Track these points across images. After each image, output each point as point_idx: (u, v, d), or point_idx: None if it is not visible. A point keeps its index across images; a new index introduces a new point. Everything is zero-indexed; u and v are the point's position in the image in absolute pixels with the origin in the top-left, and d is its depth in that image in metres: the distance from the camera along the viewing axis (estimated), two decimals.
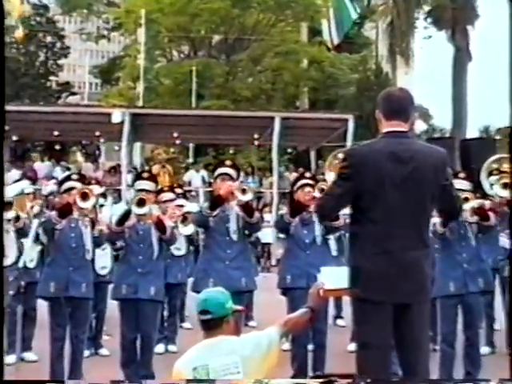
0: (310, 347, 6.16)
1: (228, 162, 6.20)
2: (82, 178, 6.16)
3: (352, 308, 3.81)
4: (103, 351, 7.19)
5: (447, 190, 3.77)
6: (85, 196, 5.56)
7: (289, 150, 25.39)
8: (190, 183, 18.71)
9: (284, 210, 6.24)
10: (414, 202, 3.61)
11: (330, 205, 3.81)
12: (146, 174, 6.27)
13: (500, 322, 7.70)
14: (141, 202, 5.76)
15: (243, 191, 5.75)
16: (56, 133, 20.24)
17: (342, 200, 3.77)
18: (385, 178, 3.59)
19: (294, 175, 15.87)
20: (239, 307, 3.69)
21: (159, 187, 8.20)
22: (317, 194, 5.94)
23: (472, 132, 34.07)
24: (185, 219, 7.19)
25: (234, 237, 5.82)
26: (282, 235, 6.81)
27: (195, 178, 18.93)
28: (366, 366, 3.70)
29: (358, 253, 3.70)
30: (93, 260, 6.11)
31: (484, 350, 6.85)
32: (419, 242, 3.65)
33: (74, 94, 39.55)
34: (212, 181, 6.34)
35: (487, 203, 6.51)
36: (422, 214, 3.68)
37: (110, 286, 6.54)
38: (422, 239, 3.68)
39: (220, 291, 3.67)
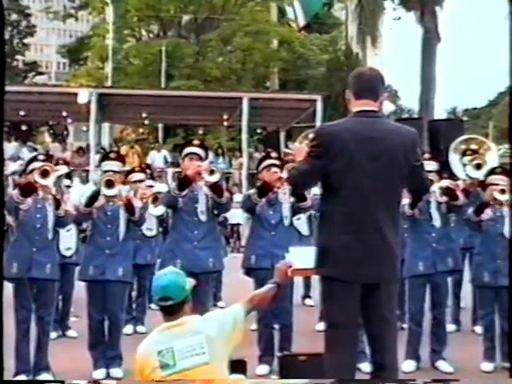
0: (277, 327, 6.18)
1: (196, 142, 6.11)
2: (49, 159, 6.04)
3: (320, 287, 3.80)
4: (71, 333, 7.14)
5: (417, 171, 3.77)
6: (45, 173, 5.45)
7: (258, 131, 25.36)
8: (151, 165, 18.54)
9: (252, 190, 6.15)
10: (384, 181, 3.60)
11: (299, 180, 3.85)
12: (113, 155, 6.19)
13: (465, 300, 7.81)
14: (109, 184, 5.67)
15: (211, 172, 5.70)
16: (22, 113, 19.92)
17: (310, 177, 3.78)
18: (355, 158, 3.58)
19: (259, 158, 15.82)
20: (193, 281, 3.58)
21: (129, 167, 8.18)
22: (284, 175, 5.93)
23: (439, 113, 34.44)
24: (155, 200, 7.13)
25: (202, 217, 5.75)
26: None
27: (157, 158, 18.73)
28: (334, 345, 3.70)
29: (328, 232, 3.69)
30: (57, 241, 6.01)
31: (450, 327, 6.94)
32: (389, 222, 3.64)
33: (41, 73, 39.00)
34: (180, 160, 6.26)
35: (460, 183, 6.55)
36: (392, 194, 3.68)
37: (77, 268, 6.47)
38: (392, 219, 3.67)
39: (175, 272, 3.57)
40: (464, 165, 6.90)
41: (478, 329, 6.81)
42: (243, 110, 18.95)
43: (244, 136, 19.52)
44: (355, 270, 3.60)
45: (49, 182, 5.45)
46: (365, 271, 3.60)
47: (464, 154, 7.08)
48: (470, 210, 6.05)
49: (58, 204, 5.55)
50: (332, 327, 3.73)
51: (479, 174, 6.61)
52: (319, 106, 18.92)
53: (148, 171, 8.33)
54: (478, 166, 6.67)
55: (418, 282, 5.90)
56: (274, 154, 6.24)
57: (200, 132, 25.45)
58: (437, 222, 5.98)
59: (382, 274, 3.65)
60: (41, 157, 5.89)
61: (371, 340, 3.79)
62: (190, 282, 3.54)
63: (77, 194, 7.47)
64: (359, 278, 3.61)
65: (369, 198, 3.58)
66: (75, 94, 18.51)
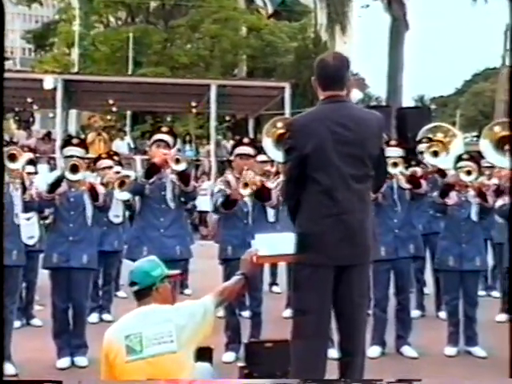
0: (247, 314, 6.19)
1: (164, 129, 6.06)
2: (11, 145, 5.95)
3: (296, 273, 3.81)
4: (35, 321, 7.05)
5: (381, 156, 3.87)
6: (13, 157, 5.37)
7: (227, 118, 25.32)
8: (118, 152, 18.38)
9: (221, 185, 5.96)
10: (356, 165, 3.68)
11: (293, 191, 3.78)
12: (75, 140, 6.10)
13: (428, 287, 7.91)
14: (74, 168, 5.60)
15: (177, 161, 5.66)
16: None
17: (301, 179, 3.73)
18: (328, 144, 3.64)
19: (232, 143, 15.78)
20: (172, 272, 3.67)
21: (96, 155, 8.11)
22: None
23: (407, 101, 34.66)
24: (122, 184, 7.07)
25: (170, 205, 5.72)
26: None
27: (121, 146, 18.52)
28: (305, 331, 3.72)
29: (306, 218, 3.73)
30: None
31: (414, 313, 7.02)
32: (362, 205, 3.72)
33: (5, 59, 38.29)
34: (147, 147, 6.22)
35: (418, 170, 6.63)
36: (364, 177, 3.74)
37: (41, 255, 6.40)
38: (365, 202, 3.75)
39: (147, 260, 3.67)
40: (421, 152, 6.99)
41: (442, 314, 6.90)
42: (211, 98, 18.87)
43: (212, 123, 19.45)
44: (333, 253, 3.64)
45: (17, 166, 5.39)
46: (341, 253, 3.65)
47: (420, 141, 7.18)
48: (435, 193, 6.13)
49: (24, 189, 5.47)
50: (304, 313, 3.73)
51: (436, 161, 6.72)
52: (287, 93, 18.92)
53: (116, 158, 8.27)
54: (435, 153, 6.77)
55: (382, 267, 5.92)
56: (246, 140, 6.18)
57: (168, 119, 25.32)
58: (399, 208, 6.03)
59: (356, 255, 3.71)
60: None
61: (340, 325, 3.83)
62: (163, 271, 3.57)
63: (43, 181, 7.37)
64: (336, 260, 3.66)
65: (343, 182, 3.65)
66: (41, 80, 18.23)
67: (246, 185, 5.69)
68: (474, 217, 6.02)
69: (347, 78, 3.81)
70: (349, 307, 3.75)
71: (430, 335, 6.42)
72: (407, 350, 5.96)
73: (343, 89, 3.77)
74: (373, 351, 5.86)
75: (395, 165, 5.95)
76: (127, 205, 7.69)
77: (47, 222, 6.78)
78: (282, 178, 6.59)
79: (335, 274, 3.68)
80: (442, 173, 6.81)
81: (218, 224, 7.64)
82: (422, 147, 7.02)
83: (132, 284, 3.55)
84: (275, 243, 3.85)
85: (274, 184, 6.50)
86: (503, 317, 7.03)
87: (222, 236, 6.11)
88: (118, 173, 7.46)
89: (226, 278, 5.58)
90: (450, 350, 5.98)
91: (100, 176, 6.99)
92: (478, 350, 5.94)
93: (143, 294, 3.50)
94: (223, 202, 5.79)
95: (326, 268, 3.65)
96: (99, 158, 7.59)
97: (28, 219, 6.47)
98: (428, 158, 6.80)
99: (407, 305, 6.16)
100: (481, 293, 7.06)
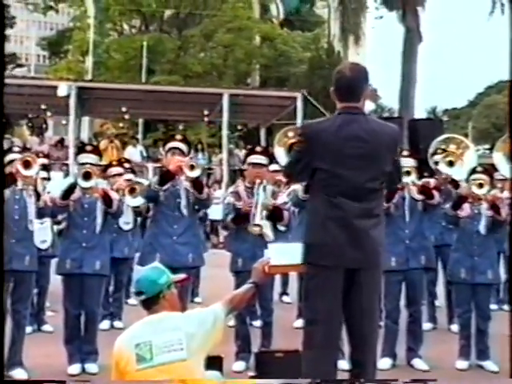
0: (258, 324, 6.17)
1: (179, 137, 6.07)
2: (25, 151, 6.00)
3: (305, 282, 3.85)
4: (46, 327, 7.07)
5: (394, 166, 3.90)
6: (27, 164, 5.41)
7: (239, 127, 25.36)
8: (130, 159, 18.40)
9: (231, 197, 6.03)
10: (368, 176, 3.71)
11: (287, 171, 4.16)
12: (89, 148, 6.13)
13: (440, 299, 7.87)
14: (87, 175, 5.63)
15: (191, 167, 5.67)
16: None
17: (295, 169, 3.96)
18: (340, 155, 3.67)
19: (244, 152, 15.80)
20: (177, 277, 3.66)
21: (108, 162, 8.13)
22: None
23: (419, 112, 34.65)
24: (132, 190, 7.08)
25: (183, 212, 5.72)
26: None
27: (133, 153, 18.55)
28: (315, 339, 3.72)
29: (315, 227, 3.77)
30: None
31: (426, 325, 6.98)
32: (369, 212, 3.74)
33: (20, 65, 38.64)
34: (161, 155, 6.23)
35: (432, 181, 6.61)
36: (373, 188, 3.76)
37: (53, 261, 6.42)
38: (372, 210, 3.76)
39: (152, 268, 3.64)
40: (435, 162, 6.97)
41: (454, 327, 6.86)
42: (224, 106, 18.91)
43: (224, 132, 19.48)
44: (336, 255, 3.67)
45: (31, 172, 5.43)
46: (345, 257, 3.67)
47: (435, 153, 7.14)
48: (448, 205, 6.11)
49: (38, 195, 5.51)
50: (314, 323, 3.74)
51: (451, 171, 6.70)
52: (299, 103, 18.91)
53: (127, 165, 8.29)
54: (451, 163, 6.74)
55: (394, 279, 5.90)
56: (259, 149, 6.19)
57: (180, 127, 25.38)
58: (410, 219, 6.00)
59: (362, 260, 3.71)
60: (16, 148, 5.84)
61: (351, 335, 3.82)
62: (169, 277, 3.55)
63: (56, 187, 7.41)
64: (340, 263, 3.67)
65: (353, 192, 3.68)
66: (55, 87, 18.34)
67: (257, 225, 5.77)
68: (486, 230, 5.99)
69: (364, 90, 3.80)
70: (358, 313, 3.75)
71: (442, 348, 6.38)
72: (418, 363, 5.92)
73: (359, 100, 3.78)
74: (383, 363, 5.82)
75: (408, 173, 5.94)
76: (137, 212, 7.70)
77: (60, 227, 6.82)
78: (293, 186, 6.65)
79: (345, 279, 3.69)
80: (455, 184, 6.78)
81: (229, 234, 7.66)
82: (436, 158, 6.98)
83: (138, 294, 3.52)
84: (288, 253, 3.85)
85: (286, 193, 6.53)
86: None
87: (233, 248, 6.12)
88: (129, 180, 7.48)
89: (237, 288, 5.58)
90: (462, 364, 5.94)
91: (110, 183, 7.01)
92: (489, 364, 5.90)
93: (151, 302, 3.48)
94: (234, 217, 5.85)
95: (336, 271, 3.66)
96: (110, 165, 7.62)
97: (42, 223, 6.49)
98: (443, 168, 6.76)
99: (419, 317, 6.12)
100: (493, 306, 7.00)
